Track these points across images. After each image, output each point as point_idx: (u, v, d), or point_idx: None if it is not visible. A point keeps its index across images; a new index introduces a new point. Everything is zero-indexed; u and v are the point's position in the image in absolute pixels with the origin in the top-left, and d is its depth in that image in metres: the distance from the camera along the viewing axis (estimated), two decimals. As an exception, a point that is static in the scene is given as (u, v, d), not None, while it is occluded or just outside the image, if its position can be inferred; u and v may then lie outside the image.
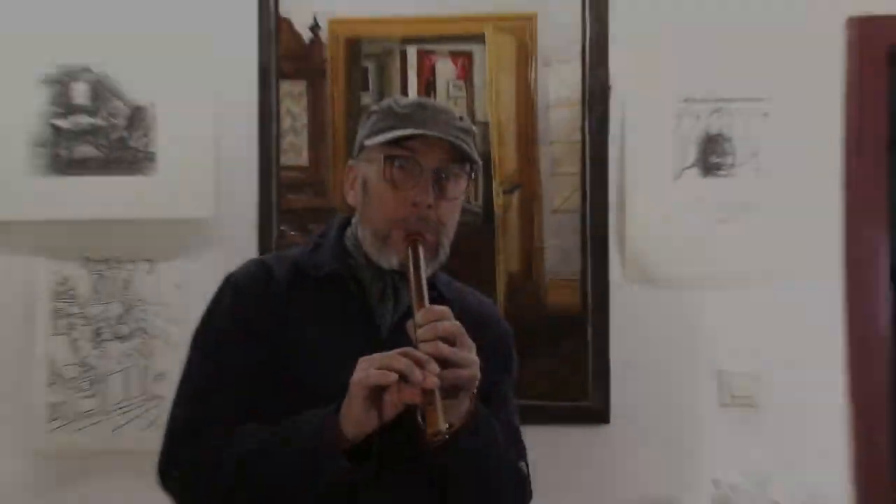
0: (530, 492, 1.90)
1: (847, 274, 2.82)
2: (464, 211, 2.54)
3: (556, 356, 2.85)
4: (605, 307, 2.83)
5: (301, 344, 1.80)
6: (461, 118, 1.84)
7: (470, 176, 1.85)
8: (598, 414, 2.81)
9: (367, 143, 1.81)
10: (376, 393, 1.56)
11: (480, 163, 1.91)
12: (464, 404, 1.63)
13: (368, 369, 1.55)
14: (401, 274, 1.78)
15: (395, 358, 1.55)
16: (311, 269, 1.88)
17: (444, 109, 1.87)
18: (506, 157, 2.88)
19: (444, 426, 1.51)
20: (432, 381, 1.52)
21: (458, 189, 1.82)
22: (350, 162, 1.93)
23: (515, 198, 2.88)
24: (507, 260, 2.88)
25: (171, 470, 1.77)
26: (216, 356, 1.83)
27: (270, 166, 2.88)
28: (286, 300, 1.84)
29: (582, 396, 2.83)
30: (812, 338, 2.80)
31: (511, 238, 2.89)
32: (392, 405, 1.56)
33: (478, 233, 2.86)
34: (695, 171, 2.85)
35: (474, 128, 1.87)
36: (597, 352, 2.82)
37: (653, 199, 2.86)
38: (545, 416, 2.76)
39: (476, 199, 2.87)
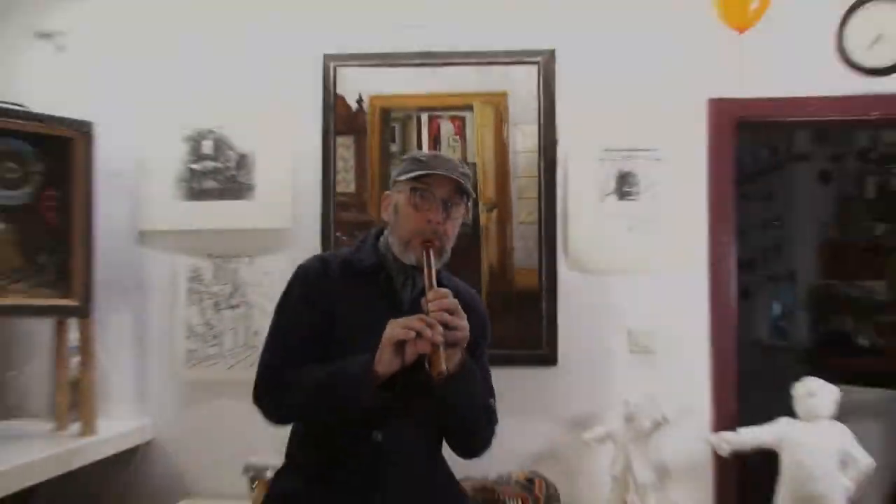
0: (496, 419, 2.15)
1: (710, 265, 3.16)
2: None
3: (522, 320, 3.16)
4: (554, 288, 3.17)
5: (348, 314, 2.05)
6: (463, 165, 2.12)
7: (467, 204, 2.12)
8: (549, 359, 3.16)
9: (399, 178, 2.08)
10: (399, 345, 1.84)
11: (475, 195, 2.25)
12: (458, 355, 1.90)
13: (395, 328, 1.84)
14: (416, 268, 2.05)
15: (413, 321, 1.83)
16: (356, 262, 2.11)
17: (452, 159, 2.15)
18: (487, 187, 3.20)
19: (444, 368, 1.79)
20: (438, 338, 1.81)
21: (459, 213, 2.10)
22: (386, 192, 2.19)
23: (494, 214, 3.19)
24: (489, 256, 3.19)
25: (261, 396, 2.05)
26: (289, 326, 2.10)
27: (329, 193, 3.23)
28: (337, 285, 2.09)
29: (538, 347, 3.16)
30: (688, 307, 3.15)
31: (491, 241, 3.19)
32: (410, 354, 1.84)
33: (469, 238, 3.12)
34: (613, 197, 3.19)
35: (469, 171, 2.15)
36: (548, 317, 3.16)
37: (585, 215, 3.19)
38: (514, 360, 3.09)
39: (467, 215, 2.75)
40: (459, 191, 2.07)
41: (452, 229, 2.09)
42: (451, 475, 2.22)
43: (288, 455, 2.14)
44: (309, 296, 2.09)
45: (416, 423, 2.05)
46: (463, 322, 1.89)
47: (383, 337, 1.86)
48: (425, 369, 1.86)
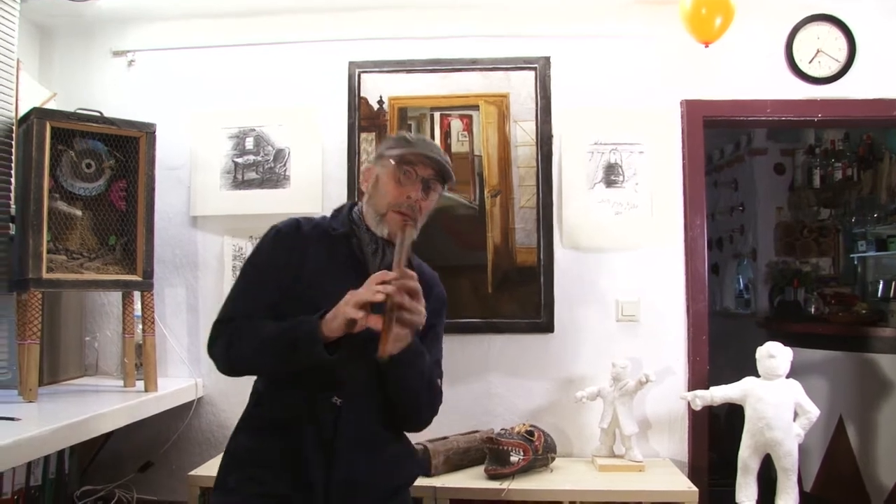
0: (440, 399, 2.08)
1: (685, 244, 3.18)
2: (466, 207, 2.99)
3: (522, 292, 3.16)
4: (550, 264, 3.17)
5: (315, 273, 1.95)
6: (446, 155, 2.03)
7: (443, 188, 2.04)
8: (546, 326, 3.15)
9: (386, 153, 1.99)
10: (351, 321, 1.73)
11: (454, 180, 2.07)
12: (407, 339, 1.79)
13: (349, 306, 1.73)
14: (387, 242, 1.96)
15: (371, 293, 1.72)
16: (330, 229, 2.02)
17: (436, 145, 2.07)
18: (492, 176, 3.19)
19: (387, 352, 1.68)
20: (381, 297, 1.71)
21: (436, 194, 2.01)
22: (368, 165, 2.11)
23: (498, 199, 3.19)
24: (494, 236, 3.17)
25: (211, 345, 1.97)
26: (252, 278, 2.01)
27: (354, 181, 3.23)
28: (309, 245, 1.99)
29: (537, 316, 3.16)
30: (667, 280, 3.18)
31: (495, 223, 3.18)
32: (359, 328, 1.74)
33: (476, 220, 3.15)
34: (601, 185, 3.21)
35: (450, 162, 2.03)
36: (546, 290, 3.16)
37: (577, 200, 3.20)
38: (515, 328, 3.16)
39: (475, 200, 3.15)
40: (440, 175, 2.00)
41: (427, 208, 2.01)
42: (404, 436, 2.16)
43: (246, 414, 2.06)
44: (278, 254, 1.99)
45: (369, 391, 1.98)
46: (420, 307, 1.78)
47: (338, 305, 1.78)
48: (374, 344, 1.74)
